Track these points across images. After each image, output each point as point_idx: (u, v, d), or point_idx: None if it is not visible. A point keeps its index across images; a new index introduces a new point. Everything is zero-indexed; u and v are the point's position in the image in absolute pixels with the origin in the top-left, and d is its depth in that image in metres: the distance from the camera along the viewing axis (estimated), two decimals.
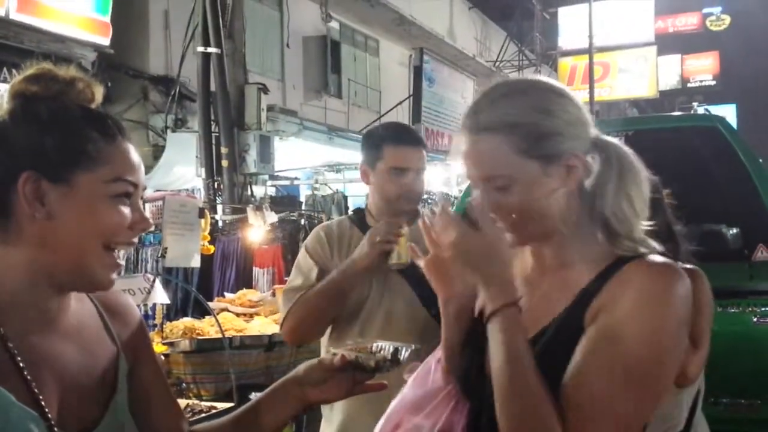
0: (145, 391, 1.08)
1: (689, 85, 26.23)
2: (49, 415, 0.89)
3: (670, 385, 1.01)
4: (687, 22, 25.32)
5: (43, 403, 0.89)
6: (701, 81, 26.30)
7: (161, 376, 1.14)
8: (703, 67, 26.43)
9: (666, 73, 23.52)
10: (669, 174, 2.19)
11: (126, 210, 0.96)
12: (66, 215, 0.92)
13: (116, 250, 0.97)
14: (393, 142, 1.97)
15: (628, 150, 1.11)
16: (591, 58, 15.43)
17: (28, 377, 0.89)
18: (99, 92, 1.00)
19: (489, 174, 1.07)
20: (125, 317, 1.09)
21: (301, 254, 2.05)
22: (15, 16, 6.90)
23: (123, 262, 0.99)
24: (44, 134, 0.92)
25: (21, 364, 0.88)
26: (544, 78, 1.14)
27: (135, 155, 0.99)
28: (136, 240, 0.99)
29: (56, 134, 0.93)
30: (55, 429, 0.89)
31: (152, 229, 4.61)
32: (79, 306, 1.02)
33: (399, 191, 1.96)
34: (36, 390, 0.89)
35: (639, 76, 19.11)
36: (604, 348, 0.98)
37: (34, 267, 0.93)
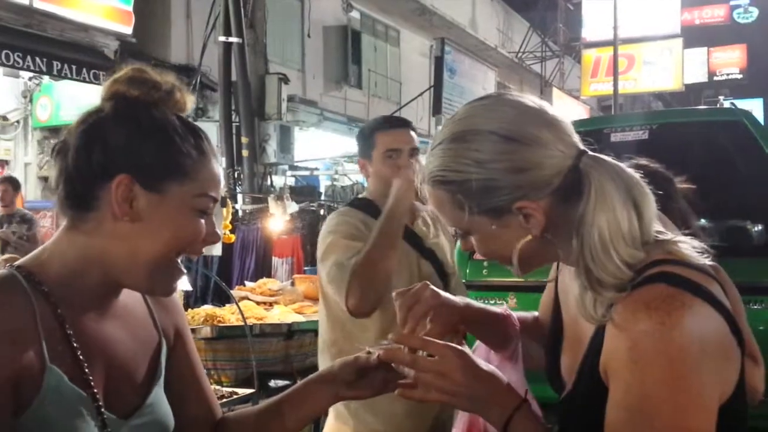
0: (182, 375, 1.11)
1: (716, 78, 25.81)
2: (98, 397, 0.92)
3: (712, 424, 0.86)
4: (714, 14, 24.91)
5: (92, 384, 0.91)
6: (728, 74, 25.87)
7: (197, 362, 1.16)
8: (730, 60, 25.99)
9: (692, 65, 23.16)
10: (693, 168, 2.16)
11: (203, 222, 0.98)
12: (151, 222, 0.94)
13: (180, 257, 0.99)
14: (383, 129, 2.09)
15: (613, 170, 0.94)
16: (615, 50, 15.26)
17: (81, 358, 0.91)
18: (191, 102, 1.01)
19: (447, 223, 1.04)
20: (167, 303, 1.11)
21: (334, 239, 1.98)
22: (38, 4, 6.98)
23: (185, 270, 1.01)
24: (145, 141, 0.94)
25: (75, 345, 0.91)
26: (500, 111, 0.98)
27: (218, 170, 1.01)
28: (204, 251, 1.02)
29: (157, 144, 0.94)
30: (103, 410, 0.92)
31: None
32: (126, 291, 1.04)
33: (396, 171, 1.99)
34: (87, 371, 0.91)
35: (664, 68, 18.83)
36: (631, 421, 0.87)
37: (104, 258, 0.95)
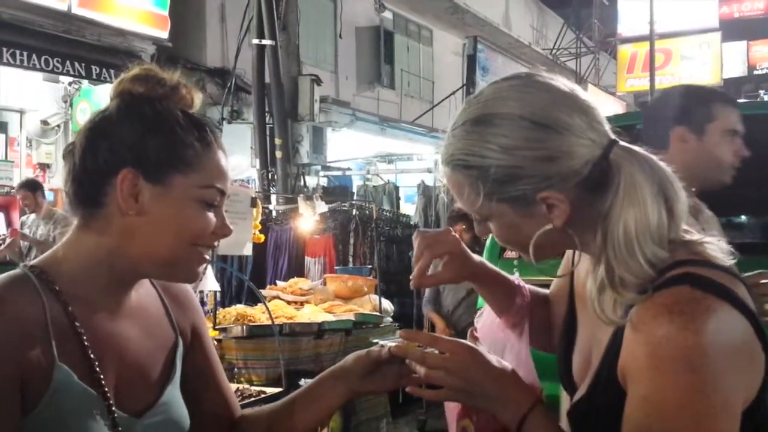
0: (199, 374, 1.11)
1: (755, 72, 25.07)
2: (108, 395, 0.92)
3: None
4: (753, 6, 24.22)
5: (103, 383, 0.92)
6: None
7: (215, 361, 1.16)
8: None
9: (731, 59, 22.58)
10: None
11: (211, 215, 0.98)
12: (157, 214, 0.94)
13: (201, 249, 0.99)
14: (727, 103, 1.88)
15: (645, 163, 0.90)
16: (652, 45, 14.97)
17: (92, 356, 0.91)
18: (198, 99, 1.02)
19: (465, 207, 0.98)
20: (184, 302, 1.11)
21: None
22: (77, 10, 7.15)
23: (208, 257, 1.01)
24: (148, 135, 0.94)
25: (86, 343, 0.91)
26: (531, 94, 0.92)
27: (225, 163, 1.01)
28: (216, 244, 1.01)
29: (160, 136, 0.95)
30: (114, 409, 0.92)
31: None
32: (141, 290, 1.04)
33: (733, 156, 1.85)
34: (98, 370, 0.91)
35: (702, 63, 18.42)
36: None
37: (116, 255, 0.95)
